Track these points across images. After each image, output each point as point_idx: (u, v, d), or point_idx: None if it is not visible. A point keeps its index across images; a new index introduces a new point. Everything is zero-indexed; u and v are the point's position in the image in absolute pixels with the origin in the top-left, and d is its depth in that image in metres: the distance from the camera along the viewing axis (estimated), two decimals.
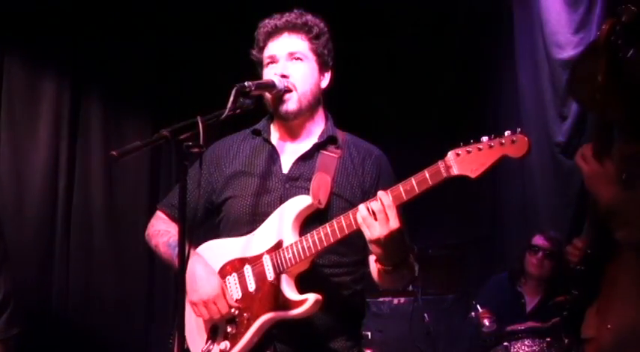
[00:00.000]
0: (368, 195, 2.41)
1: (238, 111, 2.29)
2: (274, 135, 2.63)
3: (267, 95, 2.51)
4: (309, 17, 2.59)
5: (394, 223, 2.20)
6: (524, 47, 5.27)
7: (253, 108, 2.35)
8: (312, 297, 2.33)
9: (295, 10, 2.60)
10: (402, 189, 2.22)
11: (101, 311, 5.22)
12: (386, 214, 2.20)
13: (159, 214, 2.74)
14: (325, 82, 2.59)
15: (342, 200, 2.46)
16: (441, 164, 2.19)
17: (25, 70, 5.01)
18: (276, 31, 2.55)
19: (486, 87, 5.83)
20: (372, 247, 2.26)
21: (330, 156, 2.53)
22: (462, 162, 2.16)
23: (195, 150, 2.06)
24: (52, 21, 5.07)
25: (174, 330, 2.07)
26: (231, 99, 2.25)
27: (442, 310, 5.44)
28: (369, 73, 6.08)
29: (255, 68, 2.66)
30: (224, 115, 2.22)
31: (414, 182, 2.21)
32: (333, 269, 2.48)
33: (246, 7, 5.48)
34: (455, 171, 2.17)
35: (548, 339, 4.06)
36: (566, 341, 4.03)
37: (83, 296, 5.18)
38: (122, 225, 5.37)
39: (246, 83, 2.32)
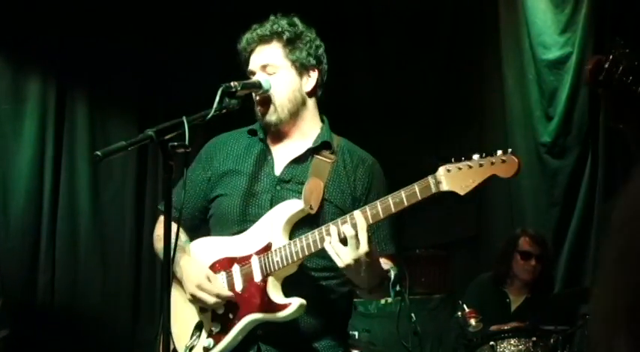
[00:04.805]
0: (358, 202, 2.44)
1: (224, 111, 2.29)
2: (269, 136, 2.62)
3: (256, 107, 2.51)
4: (283, 22, 2.53)
5: (364, 247, 2.20)
6: (510, 48, 5.29)
7: (239, 108, 2.35)
8: (296, 302, 2.34)
9: (272, 17, 2.57)
10: (391, 201, 2.24)
11: (87, 310, 5.19)
12: (357, 239, 2.20)
13: (160, 218, 2.74)
14: (310, 85, 2.55)
15: (332, 206, 2.46)
16: (431, 179, 2.20)
17: (10, 70, 4.98)
18: (250, 45, 2.54)
19: (472, 88, 5.84)
20: (343, 271, 2.27)
21: (324, 161, 2.53)
22: (452, 178, 2.18)
23: (181, 150, 2.06)
24: (38, 20, 5.04)
25: (161, 330, 2.07)
26: (217, 99, 2.25)
27: (429, 310, 5.45)
28: (353, 75, 6.07)
29: (241, 67, 2.65)
30: (209, 115, 2.23)
31: (403, 195, 2.23)
32: (321, 273, 2.48)
33: (233, 7, 5.49)
34: (444, 187, 2.19)
35: (534, 338, 4.07)
36: (551, 340, 4.05)
37: (69, 296, 5.16)
38: (108, 224, 5.35)
39: (232, 83, 2.32)
